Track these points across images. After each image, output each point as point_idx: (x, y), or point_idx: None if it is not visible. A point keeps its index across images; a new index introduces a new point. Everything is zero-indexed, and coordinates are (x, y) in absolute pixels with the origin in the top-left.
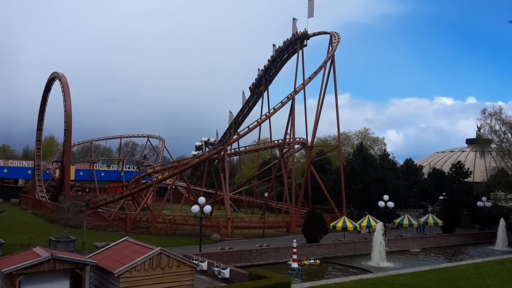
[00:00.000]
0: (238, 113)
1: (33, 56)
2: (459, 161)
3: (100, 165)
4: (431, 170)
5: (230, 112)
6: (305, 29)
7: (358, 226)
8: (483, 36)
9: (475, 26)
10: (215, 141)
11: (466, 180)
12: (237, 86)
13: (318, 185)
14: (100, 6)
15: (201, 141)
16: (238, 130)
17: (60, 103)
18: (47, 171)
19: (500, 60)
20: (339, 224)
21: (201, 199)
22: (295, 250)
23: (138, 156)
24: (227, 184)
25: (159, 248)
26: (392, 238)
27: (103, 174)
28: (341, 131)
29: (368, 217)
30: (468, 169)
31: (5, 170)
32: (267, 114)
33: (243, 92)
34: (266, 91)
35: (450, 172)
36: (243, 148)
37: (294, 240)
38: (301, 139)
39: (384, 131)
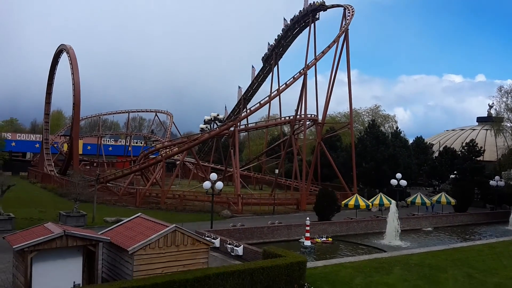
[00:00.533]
0: (248, 88)
1: (40, 29)
2: (472, 139)
3: (107, 139)
4: (441, 149)
5: (239, 87)
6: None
7: (370, 204)
8: (494, 12)
9: (485, 2)
10: (223, 117)
11: (478, 159)
12: (246, 61)
13: (327, 162)
14: None
15: (210, 116)
16: (249, 106)
17: (67, 77)
18: (55, 145)
19: (510, 38)
20: (351, 202)
21: (213, 175)
22: (308, 228)
23: (146, 131)
24: (237, 160)
25: (174, 225)
26: (404, 216)
27: (110, 148)
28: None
29: (381, 195)
30: (481, 147)
31: (13, 144)
32: (278, 89)
33: (252, 67)
34: (276, 66)
35: (462, 150)
36: (253, 124)
37: (307, 218)
38: (312, 116)
39: (392, 108)
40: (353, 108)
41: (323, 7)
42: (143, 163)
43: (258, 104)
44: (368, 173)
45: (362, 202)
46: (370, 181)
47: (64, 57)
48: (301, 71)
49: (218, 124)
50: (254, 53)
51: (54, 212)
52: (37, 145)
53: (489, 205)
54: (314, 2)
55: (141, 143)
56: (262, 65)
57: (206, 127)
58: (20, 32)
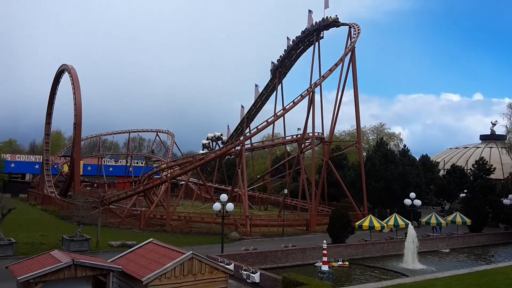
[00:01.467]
0: (251, 107)
1: (40, 51)
2: (482, 157)
3: (107, 159)
4: (448, 167)
5: (242, 106)
6: (336, 15)
7: (385, 225)
8: (490, 32)
9: (481, 23)
10: (224, 137)
11: (489, 176)
12: (246, 82)
13: (334, 181)
14: (108, 1)
15: (214, 135)
16: (254, 125)
17: (68, 97)
18: (55, 166)
19: (506, 56)
20: (366, 223)
21: (223, 196)
22: (325, 251)
23: (145, 151)
24: (245, 180)
25: (191, 251)
26: (419, 238)
27: (111, 169)
28: (353, 127)
29: (395, 216)
30: (492, 165)
31: (12, 165)
32: (285, 108)
33: (255, 85)
34: (280, 85)
35: (473, 168)
36: (260, 143)
37: (324, 241)
38: (319, 134)
39: (390, 127)
40: (352, 127)
41: (335, 23)
42: (147, 184)
43: (265, 123)
44: (378, 193)
45: (376, 223)
46: (379, 201)
47: (65, 77)
48: (309, 89)
49: (220, 144)
50: (255, 72)
51: (56, 236)
52: (37, 166)
53: (502, 224)
54: (326, 17)
55: (142, 163)
56: (269, 78)
57: (208, 143)
58: (20, 53)
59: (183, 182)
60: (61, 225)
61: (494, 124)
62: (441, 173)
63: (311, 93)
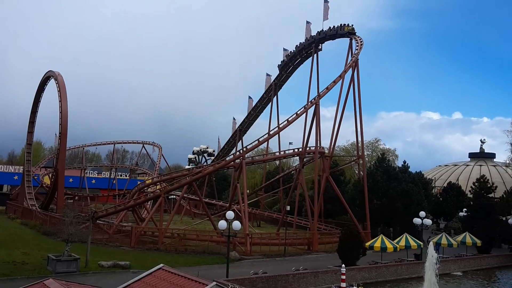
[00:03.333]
0: (244, 119)
1: (20, 59)
2: (484, 175)
3: (90, 171)
4: (446, 185)
5: (234, 119)
6: (352, 25)
7: (398, 246)
8: (469, 52)
9: (460, 43)
10: (207, 148)
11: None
12: (233, 93)
13: (331, 198)
14: (94, 10)
15: (200, 148)
16: (249, 138)
17: (49, 106)
18: (35, 177)
19: (485, 76)
20: (377, 244)
21: (230, 214)
22: (343, 276)
23: (129, 163)
24: (245, 195)
25: (214, 282)
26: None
27: (93, 181)
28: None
29: (406, 236)
30: (493, 184)
31: None
32: (289, 119)
33: (249, 97)
34: (275, 97)
35: (473, 186)
36: (261, 157)
37: (343, 265)
38: (320, 148)
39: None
40: (353, 141)
41: (351, 34)
42: (138, 198)
43: (267, 135)
44: (380, 210)
45: (389, 244)
46: (381, 219)
47: (50, 85)
48: (312, 100)
49: (206, 157)
50: (241, 86)
51: (39, 254)
52: (16, 177)
53: (504, 245)
54: (341, 25)
55: (126, 175)
56: (272, 78)
57: (195, 157)
58: None
59: (172, 197)
60: (43, 242)
61: (483, 142)
62: (433, 190)
63: (314, 105)
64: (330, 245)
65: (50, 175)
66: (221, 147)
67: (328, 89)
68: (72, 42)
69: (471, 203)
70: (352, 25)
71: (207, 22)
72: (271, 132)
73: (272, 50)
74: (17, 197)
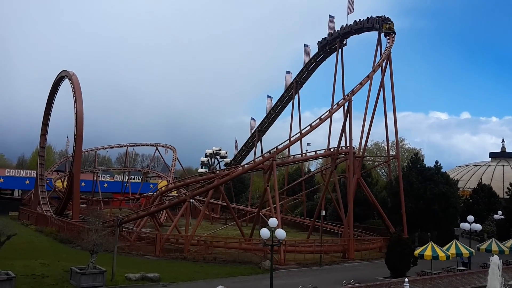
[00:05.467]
0: (263, 120)
1: (28, 63)
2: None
3: (102, 175)
4: (476, 186)
5: (253, 119)
6: (390, 21)
7: (450, 255)
8: (477, 52)
9: (469, 42)
10: (220, 150)
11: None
12: (243, 95)
13: (359, 200)
14: (102, 10)
15: (213, 150)
16: (269, 138)
17: (59, 109)
18: (47, 181)
19: (494, 76)
20: (428, 253)
21: (273, 221)
22: None
23: (139, 166)
24: (277, 199)
25: None
26: (457, 270)
27: (106, 185)
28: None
29: (456, 243)
30: None
31: (1, 180)
32: (322, 117)
33: (268, 96)
34: (297, 95)
35: (510, 187)
36: (292, 157)
37: (406, 279)
38: (346, 148)
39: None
40: (376, 141)
41: (389, 32)
42: (161, 203)
43: (299, 134)
44: (413, 214)
45: (441, 253)
46: (416, 223)
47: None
48: (346, 96)
49: (219, 159)
50: (252, 86)
51: (59, 265)
52: (27, 182)
53: None
54: (378, 16)
55: (138, 179)
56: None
57: (207, 160)
58: (7, 64)
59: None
60: (61, 250)
61: (504, 141)
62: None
63: (347, 101)
64: (366, 252)
65: (63, 179)
66: (240, 148)
67: (362, 84)
68: (79, 44)
69: (504, 205)
70: (391, 21)
71: (219, 20)
72: (302, 131)
73: (279, 51)
74: (31, 203)
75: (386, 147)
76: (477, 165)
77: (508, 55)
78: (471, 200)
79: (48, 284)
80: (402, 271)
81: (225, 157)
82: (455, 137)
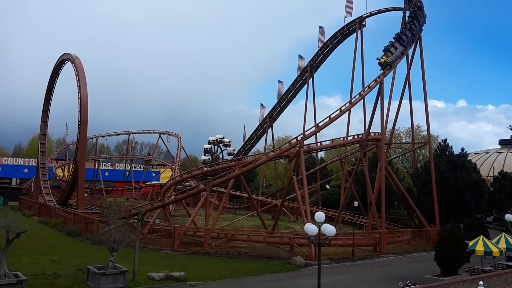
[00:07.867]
0: (275, 106)
1: (24, 50)
2: None
3: (104, 163)
4: (498, 174)
5: (262, 105)
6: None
7: (503, 249)
8: (473, 40)
9: (465, 31)
10: (223, 137)
11: None
12: (245, 81)
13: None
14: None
15: (216, 138)
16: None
17: (57, 96)
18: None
19: (490, 63)
20: (479, 248)
21: (319, 215)
22: None
23: (138, 154)
24: (305, 188)
25: None
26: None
27: (107, 173)
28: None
29: (505, 237)
30: None
31: None
32: (352, 101)
33: (279, 81)
34: (311, 79)
35: None
36: (319, 144)
37: (481, 282)
38: (377, 134)
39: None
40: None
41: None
42: (177, 193)
43: (328, 119)
44: (443, 204)
45: (494, 248)
46: (445, 214)
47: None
48: (377, 79)
49: (223, 147)
50: (252, 72)
51: (71, 262)
52: (26, 170)
53: None
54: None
55: (140, 167)
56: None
57: (211, 147)
58: (2, 50)
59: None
60: (71, 245)
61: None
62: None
63: (379, 83)
64: (396, 245)
65: (63, 167)
66: (250, 135)
67: (393, 67)
68: (77, 31)
69: None
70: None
71: (222, 8)
72: (332, 116)
73: (280, 41)
74: (29, 192)
75: (400, 135)
76: (487, 153)
77: (505, 43)
78: (492, 189)
79: (63, 286)
80: (454, 269)
81: (228, 146)
82: (451, 125)
